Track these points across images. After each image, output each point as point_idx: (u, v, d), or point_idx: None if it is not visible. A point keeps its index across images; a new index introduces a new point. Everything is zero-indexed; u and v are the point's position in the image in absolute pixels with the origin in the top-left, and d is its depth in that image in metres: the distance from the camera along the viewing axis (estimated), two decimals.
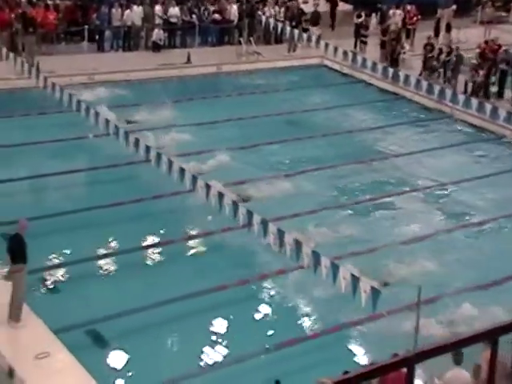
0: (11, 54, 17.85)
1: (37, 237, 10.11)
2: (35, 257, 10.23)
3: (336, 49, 21.35)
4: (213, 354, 10.24)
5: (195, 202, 13.73)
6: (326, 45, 21.56)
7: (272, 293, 11.71)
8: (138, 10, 23.15)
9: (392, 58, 23.01)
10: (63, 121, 17.30)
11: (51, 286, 11.38)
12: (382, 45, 23.61)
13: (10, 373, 9.08)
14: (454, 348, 4.90)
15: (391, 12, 25.82)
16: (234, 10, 24.44)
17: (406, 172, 17.10)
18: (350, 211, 14.94)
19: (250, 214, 12.12)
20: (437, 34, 25.77)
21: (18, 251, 9.73)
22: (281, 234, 11.46)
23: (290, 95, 21.08)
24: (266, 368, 9.99)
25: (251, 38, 23.93)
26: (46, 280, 11.47)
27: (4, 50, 18.00)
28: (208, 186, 12.97)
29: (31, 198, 14.68)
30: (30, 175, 15.07)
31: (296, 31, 22.72)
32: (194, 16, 24.06)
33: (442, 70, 21.94)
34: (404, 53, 23.82)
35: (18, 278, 9.75)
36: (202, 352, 10.24)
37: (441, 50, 22.36)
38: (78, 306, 10.89)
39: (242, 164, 16.54)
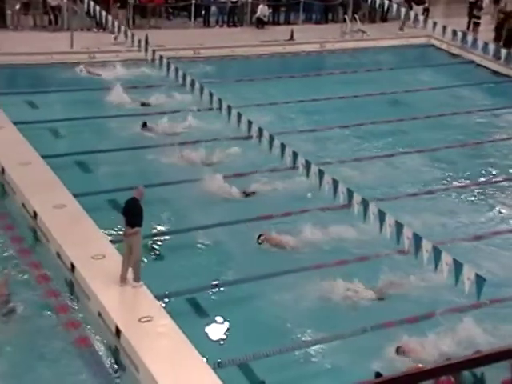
0: (122, 28, 18.35)
1: (144, 205, 10.42)
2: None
3: (444, 28, 20.54)
4: (308, 330, 10.24)
5: (295, 180, 13.71)
6: (434, 24, 20.78)
7: (368, 277, 11.51)
8: None
9: (506, 38, 21.91)
10: (170, 95, 17.70)
11: (156, 253, 11.74)
12: (497, 25, 22.55)
13: (117, 333, 9.50)
14: None
15: None
16: None
17: None
18: (452, 196, 14.47)
19: (350, 193, 11.94)
20: None
21: (134, 215, 10.08)
22: (381, 215, 11.24)
23: (394, 75, 20.60)
24: (362, 346, 9.91)
25: (356, 16, 23.48)
26: (151, 247, 11.84)
27: (116, 24, 18.54)
28: (308, 164, 12.89)
29: (135, 167, 15.06)
30: (131, 146, 15.46)
31: (403, 9, 22.03)
32: None
33: None
34: None
35: (134, 240, 10.12)
36: (299, 327, 10.26)
37: None
38: (179, 274, 11.19)
39: (341, 143, 16.37)
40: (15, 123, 15.08)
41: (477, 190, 14.77)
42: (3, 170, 13.33)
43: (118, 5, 21.56)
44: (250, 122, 14.57)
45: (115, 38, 19.48)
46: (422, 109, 18.38)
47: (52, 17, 21.48)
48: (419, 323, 10.44)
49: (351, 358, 9.55)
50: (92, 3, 19.47)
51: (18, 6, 20.95)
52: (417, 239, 10.53)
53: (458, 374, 7.74)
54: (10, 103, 16.08)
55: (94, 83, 18.50)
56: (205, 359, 9.15)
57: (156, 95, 17.67)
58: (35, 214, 12.00)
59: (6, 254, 11.19)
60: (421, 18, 21.32)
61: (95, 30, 21.21)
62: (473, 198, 14.47)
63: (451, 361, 4.64)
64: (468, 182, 15.09)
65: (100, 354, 9.39)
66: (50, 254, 11.32)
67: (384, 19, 24.53)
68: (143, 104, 17.51)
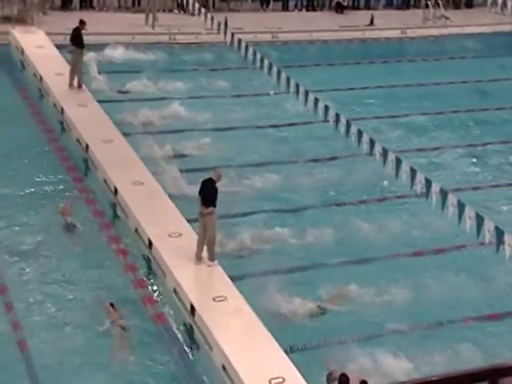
0: (202, 10, 18.48)
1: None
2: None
3: None
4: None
5: (373, 167, 13.49)
6: None
7: (448, 268, 11.21)
8: None
9: None
10: (246, 76, 17.73)
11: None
12: None
13: (192, 310, 9.64)
14: None
15: None
16: None
17: None
18: None
19: (428, 182, 11.62)
20: None
21: (209, 195, 10.17)
22: (461, 206, 10.89)
23: (478, 63, 19.93)
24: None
25: (439, 1, 22.81)
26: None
27: (196, 6, 18.68)
28: (385, 152, 12.62)
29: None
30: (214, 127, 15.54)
31: None
32: None
33: None
34: None
35: (208, 219, 10.23)
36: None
37: None
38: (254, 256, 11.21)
39: (420, 131, 16.00)
40: (99, 101, 15.48)
41: None
42: (87, 146, 13.73)
43: None
44: (326, 107, 14.41)
45: (147, 20, 19.94)
46: (508, 99, 17.71)
47: None
48: None
49: None
50: None
51: None
52: (499, 233, 10.17)
53: None
54: (94, 81, 16.52)
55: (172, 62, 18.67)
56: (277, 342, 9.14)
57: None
58: (116, 190, 12.31)
59: (87, 228, 11.53)
60: (509, 3, 20.51)
61: (176, 11, 21.46)
62: None
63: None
64: None
65: (175, 330, 9.56)
66: (129, 229, 11.60)
67: (469, 5, 23.71)
68: None
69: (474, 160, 14.83)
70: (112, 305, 9.54)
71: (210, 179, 10.29)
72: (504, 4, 20.40)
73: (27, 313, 9.55)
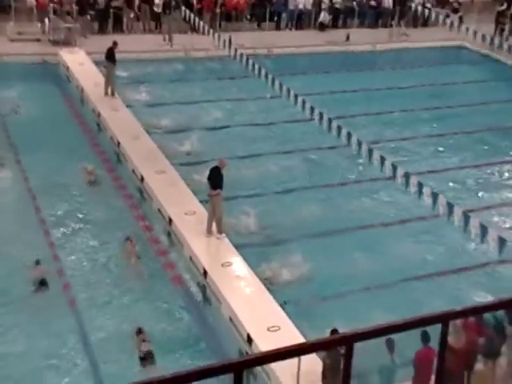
0: (211, 30, 18.08)
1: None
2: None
3: (475, 32, 19.22)
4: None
5: (349, 154, 13.20)
6: (467, 29, 19.49)
7: (406, 238, 10.95)
8: None
9: None
10: (248, 84, 17.34)
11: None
12: None
13: (204, 273, 9.43)
14: (393, 331, 3.55)
15: None
16: None
17: None
18: (493, 171, 13.62)
19: (394, 167, 11.37)
20: None
21: (216, 180, 9.97)
22: (420, 185, 10.68)
23: (433, 71, 19.56)
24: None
25: (401, 22, 22.36)
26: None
27: (206, 27, 18.28)
28: (359, 142, 12.34)
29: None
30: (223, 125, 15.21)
31: (441, 16, 20.76)
32: (354, 2, 22.94)
33: None
34: None
35: (216, 200, 10.02)
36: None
37: None
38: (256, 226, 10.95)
39: (392, 125, 15.68)
40: (128, 106, 15.16)
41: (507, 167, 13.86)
42: (119, 143, 13.45)
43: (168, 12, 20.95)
44: (312, 108, 14.08)
45: (164, 39, 19.43)
46: (456, 99, 17.35)
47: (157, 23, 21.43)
48: None
49: None
50: (188, 11, 19.31)
51: (132, 15, 21.13)
52: (450, 206, 9.98)
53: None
54: (124, 90, 16.20)
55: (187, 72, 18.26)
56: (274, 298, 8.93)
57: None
58: (142, 177, 12.05)
59: (119, 207, 11.29)
60: (455, 23, 20.03)
61: (190, 32, 21.02)
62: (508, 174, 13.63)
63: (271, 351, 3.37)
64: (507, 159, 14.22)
65: (191, 289, 9.36)
66: (153, 209, 11.36)
67: (425, 24, 23.26)
68: None
69: (431, 148, 14.51)
70: (129, 239, 9.48)
71: (216, 167, 10.06)
72: (451, 24, 19.93)
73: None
